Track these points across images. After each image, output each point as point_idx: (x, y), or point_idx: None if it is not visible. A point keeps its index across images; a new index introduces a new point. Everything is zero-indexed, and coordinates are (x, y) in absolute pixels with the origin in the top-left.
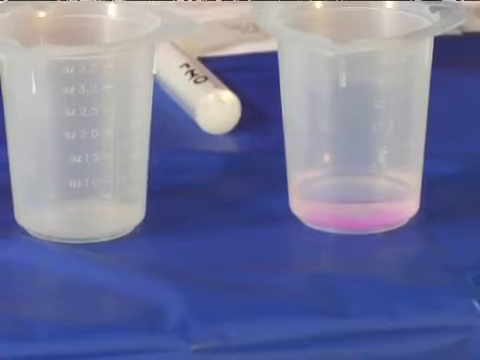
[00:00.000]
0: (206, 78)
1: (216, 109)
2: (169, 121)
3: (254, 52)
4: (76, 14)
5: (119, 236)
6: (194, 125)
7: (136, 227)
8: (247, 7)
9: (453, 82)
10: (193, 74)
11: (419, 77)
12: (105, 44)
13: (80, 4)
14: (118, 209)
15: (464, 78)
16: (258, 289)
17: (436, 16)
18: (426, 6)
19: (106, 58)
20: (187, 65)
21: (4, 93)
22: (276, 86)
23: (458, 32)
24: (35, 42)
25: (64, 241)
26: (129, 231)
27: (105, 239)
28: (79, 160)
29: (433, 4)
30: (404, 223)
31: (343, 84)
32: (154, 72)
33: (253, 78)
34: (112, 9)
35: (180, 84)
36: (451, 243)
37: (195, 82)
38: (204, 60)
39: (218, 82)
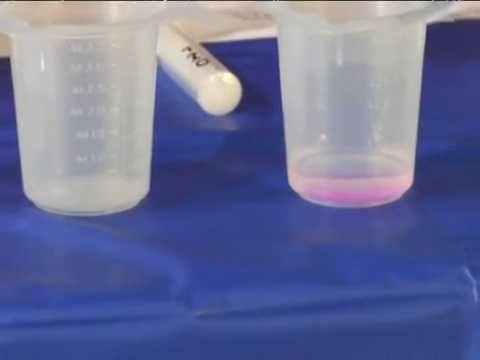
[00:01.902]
0: (207, 61)
1: (217, 90)
2: (172, 102)
3: (254, 38)
4: None
5: (124, 209)
6: (196, 106)
7: (140, 201)
8: None
9: (446, 67)
10: (195, 57)
11: (413, 58)
12: (111, 23)
13: None
14: (123, 184)
15: (456, 63)
16: (259, 259)
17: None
18: None
19: (112, 37)
20: (189, 49)
21: (14, 72)
22: (275, 70)
23: (451, 19)
24: (43, 24)
25: (71, 214)
26: (134, 205)
27: (110, 212)
28: (86, 136)
29: None
30: (398, 197)
31: (340, 63)
32: (158, 54)
33: (253, 62)
34: None
35: (182, 67)
36: (443, 216)
37: (197, 65)
38: (206, 45)
39: (219, 65)
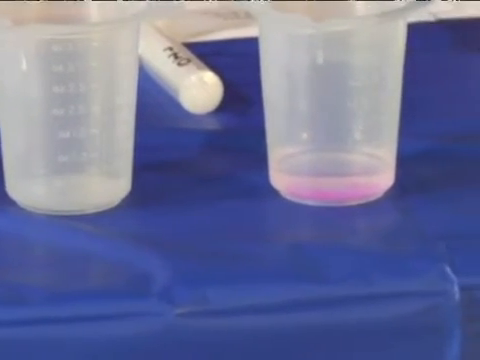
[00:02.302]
0: (189, 60)
1: (199, 89)
2: (154, 102)
3: (235, 38)
4: None
5: (105, 208)
6: (178, 105)
7: (122, 200)
8: None
9: (426, 66)
10: (176, 57)
11: (393, 57)
12: (92, 23)
13: None
14: (104, 182)
15: (436, 62)
16: (240, 257)
17: None
18: None
19: (93, 37)
20: (170, 48)
21: None
22: (256, 70)
23: (431, 18)
24: (25, 24)
25: (53, 213)
26: (115, 204)
27: (92, 211)
28: (67, 135)
29: None
30: (379, 195)
31: (320, 62)
32: (139, 54)
33: (234, 62)
34: None
35: (164, 66)
36: (424, 214)
37: (178, 64)
38: (187, 45)
39: (201, 64)
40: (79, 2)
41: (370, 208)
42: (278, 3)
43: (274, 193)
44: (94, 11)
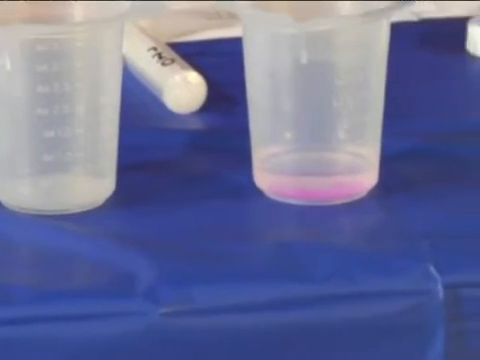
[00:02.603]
0: (173, 60)
1: (183, 89)
2: (138, 102)
3: (219, 38)
4: None
5: (90, 208)
6: (162, 105)
7: (107, 200)
8: None
9: (410, 66)
10: (160, 57)
11: (377, 56)
12: (76, 23)
13: None
14: (89, 182)
15: (420, 62)
16: (224, 256)
17: None
18: None
19: (77, 36)
20: (155, 48)
21: None
22: (240, 69)
23: (414, 18)
24: (10, 23)
25: (38, 213)
26: (100, 204)
27: (77, 211)
28: (52, 135)
29: None
30: (363, 195)
31: (304, 61)
32: (123, 54)
33: (218, 62)
34: None
35: (148, 67)
36: (408, 213)
37: (162, 64)
38: (171, 45)
39: (184, 64)
40: (64, 2)
41: (354, 207)
42: (262, 3)
43: (258, 192)
44: (79, 11)
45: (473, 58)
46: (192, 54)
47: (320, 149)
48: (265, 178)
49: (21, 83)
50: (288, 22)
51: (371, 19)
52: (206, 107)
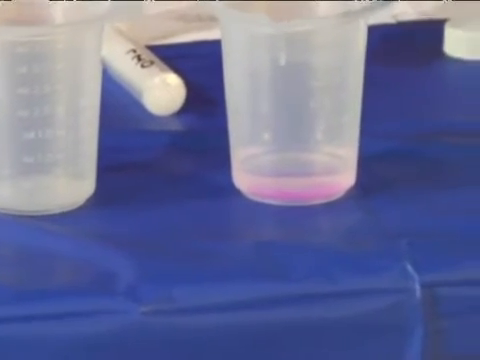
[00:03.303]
0: (152, 62)
1: (162, 91)
2: (118, 103)
3: (198, 40)
4: None
5: (71, 209)
6: (141, 107)
7: (87, 200)
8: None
9: (388, 67)
10: (140, 59)
11: (354, 57)
12: (56, 24)
13: None
14: (70, 183)
15: (397, 64)
16: (204, 256)
17: None
18: None
19: (57, 38)
20: (134, 51)
21: None
22: (219, 72)
23: (392, 21)
24: None
25: (19, 213)
26: (80, 204)
27: (57, 211)
28: (32, 136)
29: None
30: (341, 195)
31: (282, 62)
32: (103, 57)
33: (197, 64)
34: None
35: (127, 69)
36: (385, 213)
37: (142, 66)
38: (150, 48)
39: (163, 66)
40: (44, 4)
41: (332, 207)
42: (240, 3)
43: (237, 193)
44: (59, 13)
45: (450, 60)
46: (171, 57)
47: (298, 150)
48: (244, 179)
49: (2, 85)
50: (266, 22)
51: (349, 20)
52: (185, 109)
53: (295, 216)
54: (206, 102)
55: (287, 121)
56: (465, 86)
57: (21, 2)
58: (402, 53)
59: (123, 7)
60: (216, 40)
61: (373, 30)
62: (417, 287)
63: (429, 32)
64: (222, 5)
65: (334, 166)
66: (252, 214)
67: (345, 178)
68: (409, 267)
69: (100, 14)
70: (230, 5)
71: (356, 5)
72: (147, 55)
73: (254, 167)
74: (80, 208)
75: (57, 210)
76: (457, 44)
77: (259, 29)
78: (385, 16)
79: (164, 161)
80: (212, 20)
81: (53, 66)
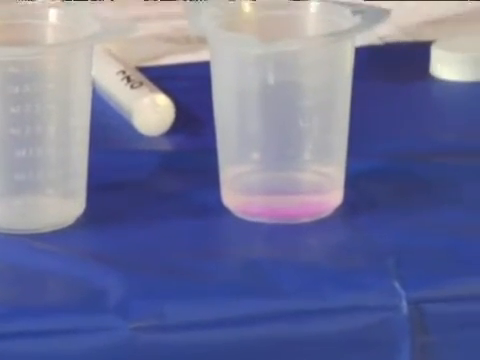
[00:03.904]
0: (141, 83)
1: (151, 112)
2: (108, 124)
3: (187, 62)
4: (19, 20)
5: (61, 227)
6: (131, 127)
7: (77, 219)
8: (180, 22)
9: (374, 89)
10: (129, 80)
11: (342, 77)
12: (47, 45)
13: (23, 10)
14: (60, 201)
15: (384, 85)
16: (194, 273)
17: (357, 19)
18: (348, 10)
19: (48, 59)
20: (123, 72)
21: None
22: (207, 93)
23: (379, 42)
24: None
25: (10, 231)
26: (71, 222)
27: (48, 230)
28: (23, 154)
29: (354, 8)
30: (329, 213)
31: (271, 82)
32: (93, 78)
33: (186, 85)
34: (53, 15)
35: (117, 89)
36: (373, 231)
37: (131, 87)
38: (140, 69)
39: (153, 87)
40: (36, 25)
41: (320, 225)
42: (229, 23)
43: (226, 211)
44: (50, 34)
45: (437, 81)
46: (160, 78)
47: (287, 169)
48: (233, 197)
49: None
50: (255, 43)
51: (336, 40)
52: (174, 129)
53: (284, 234)
54: (195, 122)
55: (276, 140)
56: (451, 106)
57: (13, 24)
58: (389, 74)
59: (113, 28)
60: (204, 62)
61: (360, 51)
62: (404, 304)
63: (416, 53)
64: (211, 26)
65: (322, 185)
66: (241, 232)
67: (333, 197)
68: (396, 284)
69: (90, 35)
70: (219, 25)
71: (344, 25)
72: (137, 76)
73: (243, 186)
74: (71, 226)
75: (48, 228)
76: (443, 65)
77: (248, 49)
78: (372, 38)
79: (154, 180)
80: (201, 42)
81: (44, 86)
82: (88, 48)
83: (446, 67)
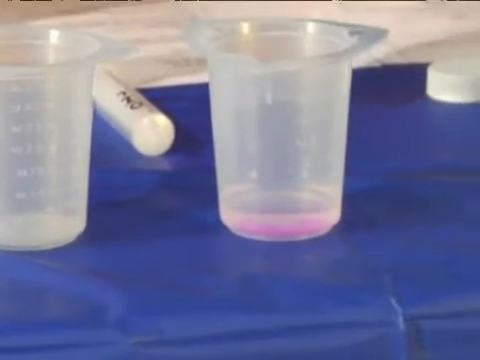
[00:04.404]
0: (141, 104)
1: (151, 132)
2: (108, 144)
3: (187, 84)
4: (20, 41)
5: (62, 244)
6: (131, 147)
7: (78, 236)
8: (179, 45)
9: (372, 109)
10: (129, 100)
11: (339, 96)
12: (48, 64)
13: (24, 31)
14: (61, 219)
15: (381, 106)
16: (192, 289)
17: (354, 39)
18: (345, 30)
19: (49, 78)
20: (124, 93)
21: None
22: (206, 113)
23: (377, 64)
24: None
25: (11, 249)
26: (71, 240)
27: (49, 247)
28: (25, 173)
29: (351, 29)
30: (327, 231)
31: (269, 101)
32: (93, 98)
33: (185, 106)
34: (54, 36)
35: (118, 110)
36: (370, 248)
37: (131, 108)
38: (140, 91)
39: (152, 107)
40: (37, 46)
41: (318, 243)
42: (228, 44)
43: (224, 229)
44: (51, 54)
45: (433, 102)
46: (160, 99)
47: (285, 187)
48: (231, 215)
49: None
50: (253, 64)
51: (333, 60)
52: (174, 149)
53: (281, 251)
54: (194, 142)
55: (274, 159)
56: (448, 127)
57: (15, 45)
58: (386, 95)
59: (113, 49)
60: (203, 83)
61: (358, 73)
62: (400, 320)
63: (412, 75)
64: (211, 47)
65: (320, 203)
66: (239, 249)
67: (330, 215)
68: (393, 300)
69: (90, 55)
70: (218, 46)
71: (341, 45)
72: (137, 97)
73: (241, 204)
74: (71, 244)
75: (49, 246)
76: (439, 87)
77: (246, 69)
78: (370, 60)
79: (153, 199)
80: (200, 64)
81: (45, 105)
82: (89, 68)
83: (442, 89)
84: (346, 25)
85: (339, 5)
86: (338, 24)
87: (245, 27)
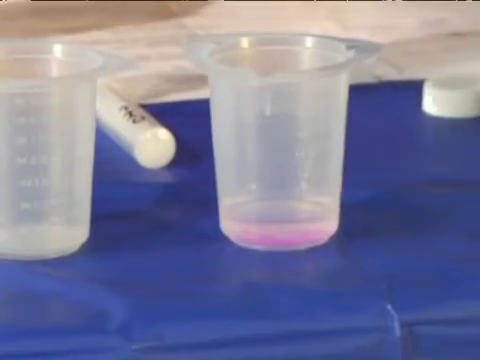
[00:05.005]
0: (143, 118)
1: (153, 145)
2: (111, 158)
3: (188, 99)
4: (25, 55)
5: (65, 254)
6: (133, 161)
7: (81, 246)
8: (180, 62)
9: (369, 124)
10: (131, 115)
11: (336, 108)
12: (51, 77)
13: (28, 46)
14: (64, 229)
15: (378, 121)
16: (193, 296)
17: (351, 53)
18: (342, 45)
19: (53, 91)
20: (126, 107)
21: None
22: (206, 127)
23: (374, 80)
24: None
25: (15, 258)
26: (75, 249)
27: (53, 256)
28: (29, 184)
29: (348, 43)
30: (324, 241)
31: (268, 114)
32: (97, 113)
33: (187, 121)
34: (57, 50)
35: (120, 124)
36: (367, 257)
37: (133, 122)
38: (142, 106)
39: (154, 121)
40: (41, 59)
41: (316, 252)
42: (228, 58)
43: (225, 239)
44: (55, 68)
45: (429, 117)
46: (162, 113)
47: (284, 198)
48: (231, 226)
49: (1, 135)
50: (253, 77)
51: (330, 73)
52: (175, 162)
53: (280, 260)
54: (194, 155)
55: (273, 170)
56: (444, 141)
57: (20, 59)
58: (383, 110)
59: (116, 63)
60: (203, 99)
61: (355, 89)
62: (396, 326)
63: (409, 91)
64: (211, 61)
65: (318, 213)
66: (239, 258)
67: (328, 225)
68: (389, 307)
69: (92, 69)
70: (218, 60)
71: (338, 59)
72: (138, 111)
73: (241, 214)
74: (75, 253)
75: (52, 255)
76: (435, 102)
77: (246, 82)
78: (367, 76)
79: (154, 210)
80: (199, 81)
81: (48, 117)
82: (91, 81)
83: (438, 104)
84: (343, 39)
85: (336, 22)
86: (335, 39)
87: (245, 41)
